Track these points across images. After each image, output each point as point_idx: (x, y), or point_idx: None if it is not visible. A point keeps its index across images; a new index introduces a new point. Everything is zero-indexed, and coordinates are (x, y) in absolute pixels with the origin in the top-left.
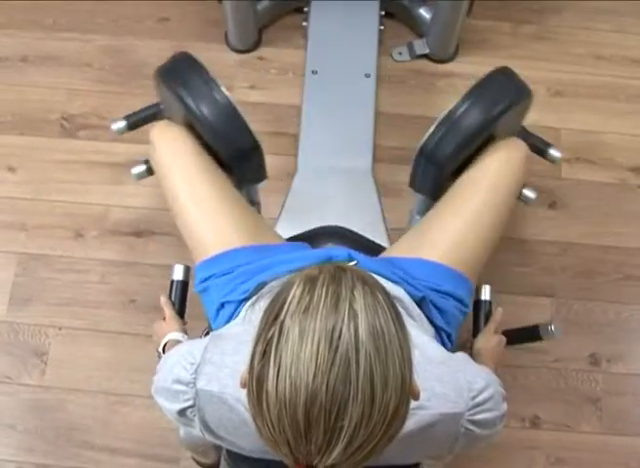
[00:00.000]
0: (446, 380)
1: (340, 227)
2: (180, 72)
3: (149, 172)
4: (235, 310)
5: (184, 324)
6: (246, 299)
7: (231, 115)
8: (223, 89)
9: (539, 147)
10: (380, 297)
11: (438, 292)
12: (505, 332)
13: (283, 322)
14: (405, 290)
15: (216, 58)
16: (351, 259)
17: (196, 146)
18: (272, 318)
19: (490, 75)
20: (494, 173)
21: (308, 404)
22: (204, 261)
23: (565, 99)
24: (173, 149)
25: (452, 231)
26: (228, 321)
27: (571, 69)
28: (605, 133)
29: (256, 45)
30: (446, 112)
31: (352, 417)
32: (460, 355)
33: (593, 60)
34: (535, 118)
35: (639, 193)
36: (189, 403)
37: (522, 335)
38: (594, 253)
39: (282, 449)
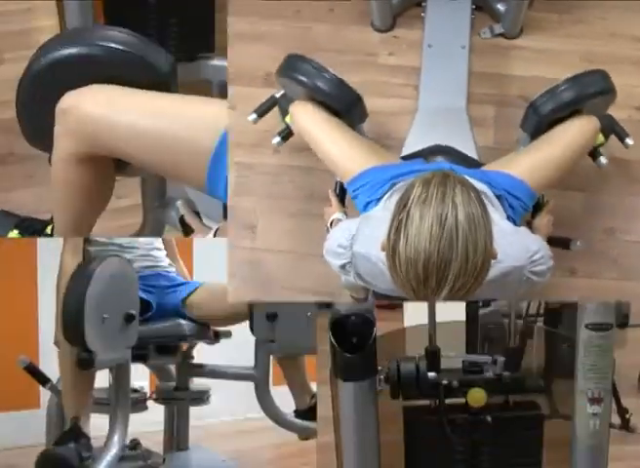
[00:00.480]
0: (514, 245)
1: (447, 146)
2: (296, 65)
3: (285, 139)
4: (376, 205)
5: (345, 208)
6: (382, 197)
7: (338, 82)
8: (327, 67)
9: (619, 134)
10: (472, 194)
11: (511, 194)
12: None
13: (409, 210)
14: (488, 187)
15: (365, 37)
16: (453, 169)
17: (322, 110)
18: (402, 207)
19: (591, 71)
20: (574, 131)
21: (426, 262)
22: (351, 180)
23: (594, 65)
24: (310, 117)
25: (534, 159)
26: None
27: (600, 44)
28: (625, 85)
29: (392, 27)
30: (555, 83)
31: (454, 270)
32: (523, 229)
33: (612, 38)
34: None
35: None
36: (347, 260)
37: (557, 241)
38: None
39: (408, 291)
